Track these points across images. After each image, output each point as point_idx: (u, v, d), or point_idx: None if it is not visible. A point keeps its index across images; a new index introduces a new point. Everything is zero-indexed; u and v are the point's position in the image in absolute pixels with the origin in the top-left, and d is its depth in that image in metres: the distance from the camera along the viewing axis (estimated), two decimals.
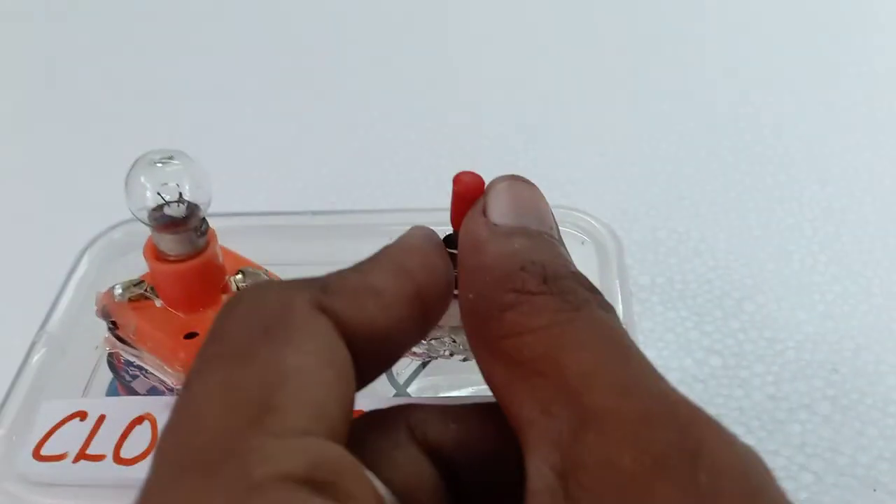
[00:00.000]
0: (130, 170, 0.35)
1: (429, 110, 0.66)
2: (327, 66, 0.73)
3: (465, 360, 0.37)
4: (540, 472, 0.18)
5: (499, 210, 0.23)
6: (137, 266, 0.42)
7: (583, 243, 0.41)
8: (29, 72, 0.77)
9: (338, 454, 0.17)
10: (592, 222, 0.41)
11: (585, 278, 0.21)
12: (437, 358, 0.37)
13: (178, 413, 0.18)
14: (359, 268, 0.22)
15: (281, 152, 0.62)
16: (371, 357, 0.21)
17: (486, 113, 0.66)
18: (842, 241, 0.52)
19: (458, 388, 0.40)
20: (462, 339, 0.37)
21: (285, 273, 0.39)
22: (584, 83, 0.70)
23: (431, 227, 0.25)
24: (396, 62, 0.74)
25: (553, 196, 0.57)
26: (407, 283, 0.22)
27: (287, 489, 0.16)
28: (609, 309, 0.21)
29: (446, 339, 0.36)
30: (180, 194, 0.35)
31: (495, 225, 0.23)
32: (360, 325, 0.20)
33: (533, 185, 0.24)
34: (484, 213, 0.23)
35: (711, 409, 0.42)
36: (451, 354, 0.37)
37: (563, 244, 0.23)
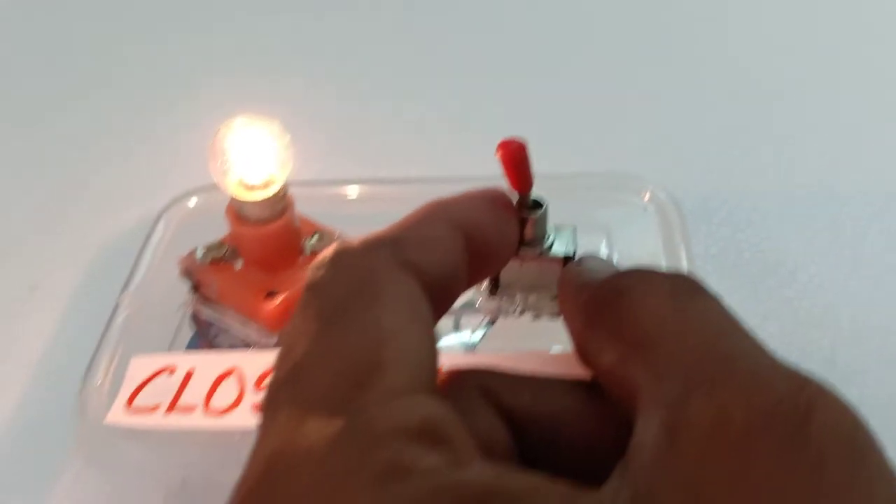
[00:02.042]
0: (216, 136, 0.37)
1: (489, 78, 0.68)
2: (392, 37, 0.75)
3: (536, 318, 0.39)
4: (647, 426, 0.18)
5: (591, 264, 0.26)
6: (212, 230, 0.44)
7: (644, 210, 0.42)
8: (105, 38, 0.79)
9: (444, 410, 0.19)
10: (656, 190, 0.42)
11: None
12: (506, 316, 0.39)
13: (288, 372, 0.19)
14: (416, 221, 0.24)
15: (345, 121, 0.64)
16: (436, 304, 0.22)
17: (545, 85, 0.67)
18: (892, 214, 0.53)
19: (525, 345, 0.41)
20: (533, 298, 0.38)
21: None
22: (638, 57, 0.71)
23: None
24: (455, 29, 0.75)
25: (607, 166, 0.58)
26: (457, 234, 0.24)
27: (404, 442, 0.17)
28: (719, 298, 0.22)
29: (517, 298, 0.38)
30: (261, 161, 0.37)
31: (593, 268, 0.26)
32: (429, 274, 0.22)
33: None
34: (581, 265, 0.26)
35: None
36: (522, 312, 0.38)
37: None
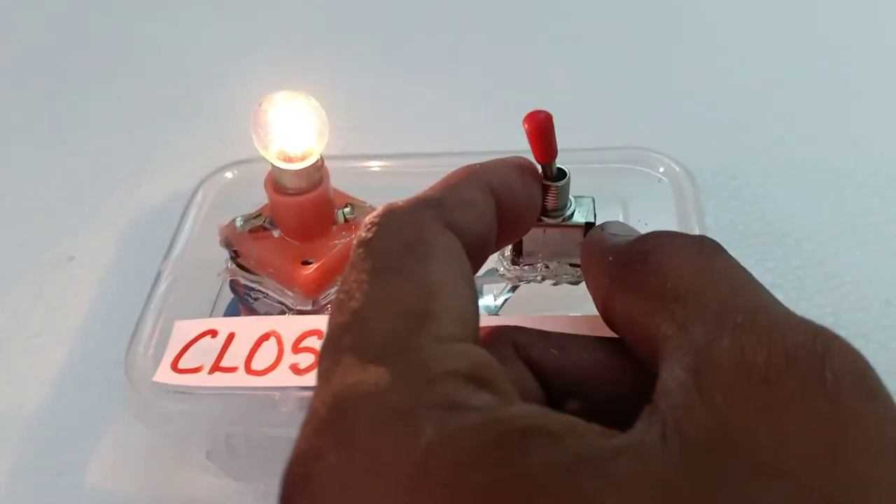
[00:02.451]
0: (257, 108, 0.38)
1: (503, 56, 0.70)
2: (417, 15, 0.77)
3: (556, 284, 0.41)
4: (673, 371, 0.20)
5: (614, 229, 0.28)
6: (246, 203, 0.46)
7: (659, 182, 0.44)
8: (149, 12, 0.80)
9: (487, 357, 0.20)
10: (671, 163, 0.44)
11: None
12: (528, 282, 0.41)
13: (348, 316, 0.21)
14: (455, 183, 0.26)
15: (372, 98, 0.66)
16: (471, 263, 0.24)
17: (564, 64, 0.69)
18: (893, 185, 0.55)
19: (545, 310, 0.43)
20: (554, 265, 0.40)
21: None
22: (647, 35, 0.72)
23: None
24: (471, 11, 0.77)
25: (617, 140, 0.59)
26: (490, 198, 0.26)
27: (457, 383, 0.19)
28: (737, 262, 0.24)
29: (539, 265, 0.40)
30: (301, 133, 0.39)
31: (615, 233, 0.27)
32: (468, 235, 0.24)
33: None
34: (603, 230, 0.28)
35: None
36: (543, 279, 0.40)
37: None
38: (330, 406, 0.19)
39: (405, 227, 0.23)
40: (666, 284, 0.22)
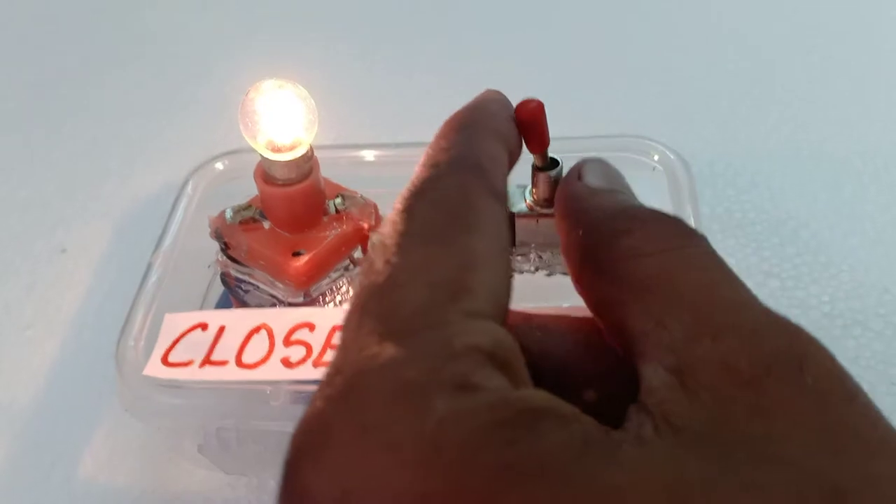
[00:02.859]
0: (245, 97, 0.38)
1: (495, 45, 0.69)
2: (413, 3, 0.76)
3: (549, 275, 0.40)
4: (656, 372, 0.19)
5: (594, 176, 0.26)
6: (237, 194, 0.45)
7: (654, 170, 0.44)
8: (134, 4, 0.80)
9: (510, 339, 0.20)
10: (667, 152, 0.43)
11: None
12: (521, 273, 0.40)
13: (381, 280, 0.20)
14: (470, 137, 0.25)
15: (365, 88, 0.66)
16: None
17: (552, 48, 0.69)
18: (890, 173, 0.54)
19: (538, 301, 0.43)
20: (547, 255, 0.40)
21: (374, 197, 0.42)
22: (641, 24, 0.72)
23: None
24: (461, 2, 0.76)
25: (612, 128, 0.59)
26: (503, 147, 0.26)
27: (476, 361, 0.18)
28: (713, 249, 0.23)
29: (532, 256, 0.39)
30: (290, 123, 0.38)
31: (592, 185, 0.26)
32: (503, 193, 0.23)
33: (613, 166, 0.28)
34: (579, 178, 0.26)
35: None
36: (537, 270, 0.40)
37: None
38: (346, 375, 0.19)
39: (452, 192, 0.22)
40: (637, 273, 0.22)
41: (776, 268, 0.48)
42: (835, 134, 0.58)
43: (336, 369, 0.19)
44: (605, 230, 0.23)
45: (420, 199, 0.22)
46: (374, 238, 0.22)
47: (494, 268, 0.21)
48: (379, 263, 0.21)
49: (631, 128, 0.58)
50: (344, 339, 0.20)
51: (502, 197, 0.23)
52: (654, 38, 0.69)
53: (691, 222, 0.40)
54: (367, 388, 0.18)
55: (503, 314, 0.21)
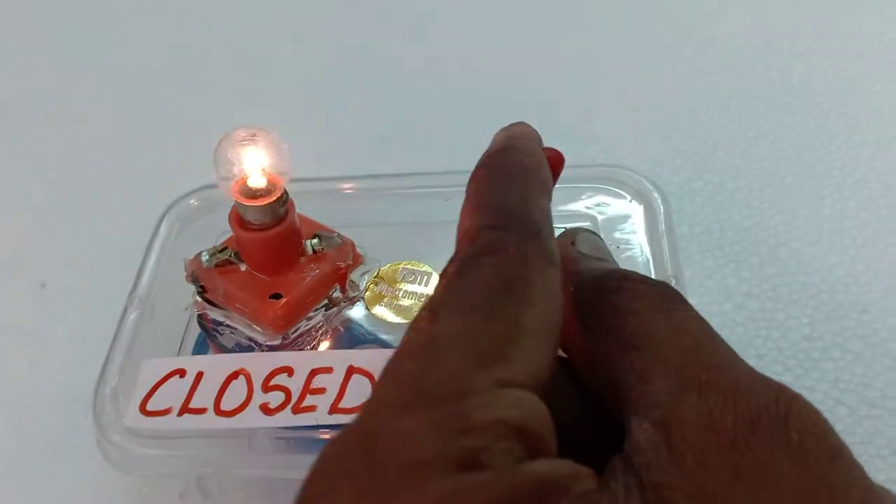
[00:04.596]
0: (218, 146, 0.38)
1: (469, 73, 0.69)
2: (370, 38, 0.76)
3: None
4: (641, 427, 0.20)
5: (585, 246, 0.27)
6: (212, 230, 0.45)
7: (630, 200, 0.44)
8: (106, 39, 0.79)
9: (543, 411, 0.20)
10: (643, 181, 0.43)
11: None
12: None
13: (421, 343, 0.20)
14: (520, 189, 0.24)
15: (333, 119, 0.65)
16: None
17: (522, 72, 0.68)
18: (870, 187, 0.54)
19: None
20: None
21: (349, 233, 0.42)
22: (616, 38, 0.71)
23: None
24: (432, 28, 0.76)
25: (590, 151, 0.59)
26: (546, 193, 0.25)
27: (496, 434, 0.18)
28: (698, 313, 0.24)
29: None
30: (263, 168, 0.38)
31: (583, 252, 0.27)
32: (557, 255, 0.23)
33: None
34: (574, 244, 0.28)
35: (751, 351, 0.46)
36: None
37: None
38: (362, 438, 0.19)
39: (510, 261, 0.22)
40: (625, 329, 0.22)
41: (755, 289, 0.48)
42: (814, 147, 0.58)
43: (356, 428, 0.19)
44: (596, 288, 0.24)
45: (477, 265, 0.22)
46: (426, 297, 0.22)
47: (539, 342, 0.21)
48: (424, 324, 0.21)
49: (608, 146, 0.59)
50: (376, 391, 0.20)
51: (557, 260, 0.23)
52: (630, 53, 0.69)
53: (666, 255, 0.41)
54: (377, 457, 0.18)
55: (541, 386, 0.21)
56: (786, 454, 0.18)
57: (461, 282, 0.22)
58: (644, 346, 0.22)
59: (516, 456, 0.18)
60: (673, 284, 0.34)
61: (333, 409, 0.36)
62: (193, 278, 0.41)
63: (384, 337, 0.42)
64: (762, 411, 0.19)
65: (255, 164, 0.38)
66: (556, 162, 0.28)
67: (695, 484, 0.18)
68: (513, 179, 0.25)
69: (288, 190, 0.40)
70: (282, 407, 0.37)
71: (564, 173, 0.44)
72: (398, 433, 0.19)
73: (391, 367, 0.20)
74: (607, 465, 0.20)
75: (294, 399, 0.37)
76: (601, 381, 0.23)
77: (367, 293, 0.44)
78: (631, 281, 0.24)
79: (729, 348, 0.22)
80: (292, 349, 0.40)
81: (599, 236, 0.29)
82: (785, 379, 0.43)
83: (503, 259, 0.22)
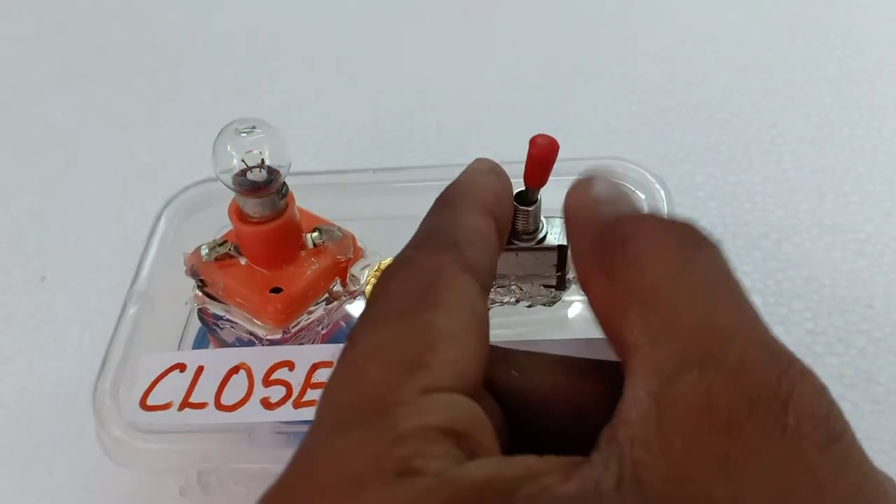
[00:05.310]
0: (217, 138, 0.37)
1: (470, 66, 0.69)
2: (373, 33, 0.75)
3: (529, 306, 0.40)
4: (636, 396, 0.19)
5: (603, 191, 0.25)
6: (212, 223, 0.45)
7: (633, 192, 0.44)
8: (107, 34, 0.79)
9: (473, 410, 0.20)
10: (645, 173, 0.43)
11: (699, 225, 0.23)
12: (502, 304, 0.40)
13: (344, 367, 0.21)
14: (453, 212, 0.25)
15: (334, 113, 0.65)
16: (487, 295, 0.24)
17: (524, 65, 0.68)
18: (873, 182, 0.54)
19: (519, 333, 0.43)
20: (527, 287, 0.39)
21: (350, 227, 0.42)
22: (617, 31, 0.71)
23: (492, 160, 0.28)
24: (434, 21, 0.75)
25: (592, 146, 0.59)
26: (490, 220, 0.25)
27: (427, 439, 0.18)
28: (723, 250, 0.22)
29: (513, 288, 0.39)
30: (263, 161, 0.38)
31: (600, 197, 0.25)
32: (483, 269, 0.23)
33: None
34: (589, 192, 0.25)
35: None
36: (517, 301, 0.40)
37: None
38: (301, 466, 0.19)
39: (421, 272, 0.22)
40: (640, 282, 0.21)
41: (759, 284, 0.48)
42: (816, 141, 0.57)
43: (295, 458, 0.20)
44: (614, 233, 0.23)
45: (390, 281, 0.22)
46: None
47: (460, 341, 0.21)
48: (346, 351, 0.21)
49: (610, 140, 0.58)
50: (313, 422, 0.20)
51: (481, 270, 0.23)
52: (632, 46, 0.69)
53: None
54: (315, 480, 0.19)
55: (470, 384, 0.21)
56: (779, 440, 0.18)
57: (375, 301, 0.22)
58: (657, 304, 0.20)
59: (454, 457, 0.18)
60: None
61: None
62: (193, 272, 0.41)
63: None
64: (762, 391, 0.18)
65: (254, 157, 0.37)
66: (550, 149, 0.29)
67: (676, 469, 0.18)
68: (445, 206, 0.25)
69: (287, 183, 0.39)
70: (283, 401, 0.37)
71: (566, 166, 0.44)
72: (332, 454, 0.19)
73: (323, 397, 0.21)
74: (600, 433, 0.19)
75: (295, 393, 0.37)
76: (615, 336, 0.22)
77: (368, 287, 0.43)
78: (648, 225, 0.22)
79: (747, 306, 0.21)
80: (293, 343, 0.40)
81: (616, 180, 0.27)
82: None
83: (413, 273, 0.22)
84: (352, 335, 0.21)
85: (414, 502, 0.17)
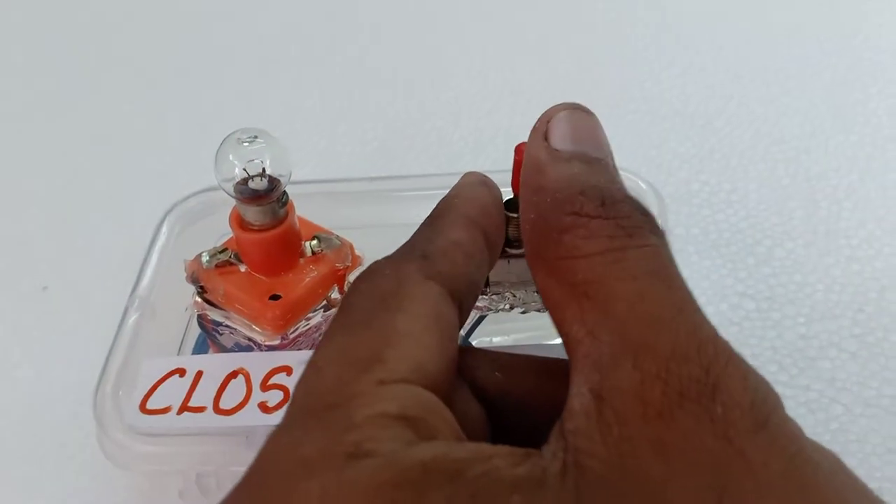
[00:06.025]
0: (219, 148, 0.38)
1: (468, 75, 0.69)
2: (371, 40, 0.76)
3: (524, 312, 0.41)
4: (580, 391, 0.20)
5: (559, 136, 0.24)
6: (212, 231, 0.46)
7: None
8: (109, 43, 0.79)
9: (427, 397, 0.20)
10: (638, 182, 0.44)
11: (640, 202, 0.23)
12: (497, 311, 0.41)
13: (306, 370, 0.21)
14: (435, 226, 0.26)
15: (333, 121, 0.66)
16: (466, 301, 0.24)
17: (520, 73, 0.69)
18: (866, 188, 0.55)
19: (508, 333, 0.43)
20: (521, 294, 0.40)
21: (348, 235, 0.43)
22: (612, 40, 0.72)
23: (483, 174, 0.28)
24: (428, 31, 0.76)
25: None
26: (476, 232, 0.26)
27: (380, 425, 0.19)
28: (660, 234, 0.22)
29: (507, 295, 0.40)
30: (263, 170, 0.38)
31: (556, 150, 0.24)
32: (456, 279, 0.24)
33: (592, 113, 0.26)
34: (545, 138, 0.25)
35: (746, 350, 0.46)
36: (511, 308, 0.40)
37: (618, 171, 0.25)
38: (257, 459, 0.20)
39: (386, 281, 0.23)
40: (577, 276, 0.21)
41: (751, 289, 0.49)
42: (810, 148, 0.58)
43: (259, 451, 0.20)
44: (552, 223, 0.23)
45: (354, 291, 0.23)
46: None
47: (420, 340, 0.21)
48: (311, 358, 0.22)
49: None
50: (274, 428, 0.21)
51: (452, 279, 0.24)
52: (628, 54, 0.70)
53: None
54: (266, 469, 0.19)
55: (430, 379, 0.21)
56: (708, 427, 0.18)
57: (341, 310, 0.23)
58: (594, 296, 0.21)
59: (406, 440, 0.19)
60: None
61: None
62: (194, 279, 0.41)
63: None
64: (692, 384, 0.19)
65: (255, 166, 0.38)
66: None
67: (615, 455, 0.18)
68: (430, 221, 0.26)
69: (288, 191, 0.40)
70: (280, 405, 0.37)
71: None
72: (287, 445, 0.19)
73: (293, 394, 0.21)
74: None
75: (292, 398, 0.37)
76: (559, 330, 0.22)
77: None
78: (587, 215, 0.22)
79: (680, 292, 0.21)
80: (291, 349, 0.40)
81: (588, 111, 0.26)
82: (780, 378, 0.44)
83: (378, 282, 0.23)
84: (318, 344, 0.22)
85: (361, 481, 0.18)
